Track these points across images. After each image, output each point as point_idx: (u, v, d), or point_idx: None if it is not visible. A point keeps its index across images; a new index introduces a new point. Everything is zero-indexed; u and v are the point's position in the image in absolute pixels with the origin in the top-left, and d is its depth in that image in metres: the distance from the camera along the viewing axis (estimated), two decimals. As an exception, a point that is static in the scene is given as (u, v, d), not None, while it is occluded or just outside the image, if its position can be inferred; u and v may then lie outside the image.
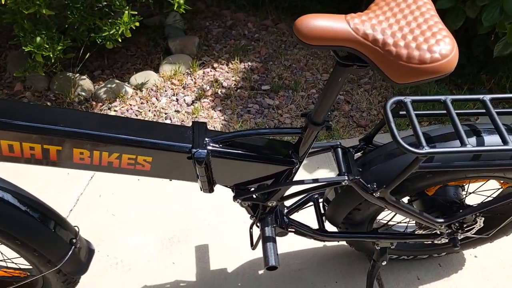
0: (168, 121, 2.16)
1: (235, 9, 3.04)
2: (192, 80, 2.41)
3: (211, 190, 1.05)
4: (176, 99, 2.28)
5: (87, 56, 2.30)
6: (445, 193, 1.20)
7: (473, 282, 1.44)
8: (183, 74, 2.43)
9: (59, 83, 2.29)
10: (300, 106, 2.20)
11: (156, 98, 2.29)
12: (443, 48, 0.73)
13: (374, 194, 1.04)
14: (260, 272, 1.51)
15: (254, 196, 1.10)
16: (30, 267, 1.23)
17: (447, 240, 1.25)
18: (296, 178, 1.09)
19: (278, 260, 1.14)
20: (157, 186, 1.79)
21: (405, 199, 1.24)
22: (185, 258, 1.55)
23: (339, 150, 1.10)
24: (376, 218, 1.28)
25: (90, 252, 1.26)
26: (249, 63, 2.52)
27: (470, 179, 1.13)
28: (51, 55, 1.76)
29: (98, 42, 2.01)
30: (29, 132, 0.86)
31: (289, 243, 1.55)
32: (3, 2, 1.60)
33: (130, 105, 2.25)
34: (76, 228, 1.21)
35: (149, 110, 2.22)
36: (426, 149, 0.89)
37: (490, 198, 1.29)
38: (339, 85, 0.88)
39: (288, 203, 1.31)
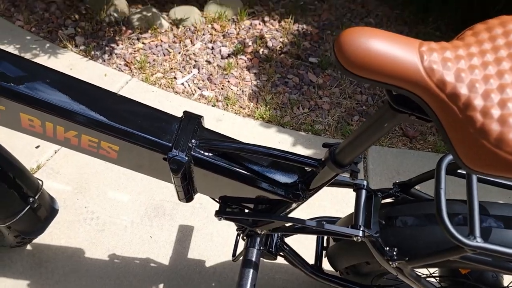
0: (195, 71, 1.92)
1: (309, -42, 2.64)
2: (235, 29, 2.13)
3: (188, 199, 0.84)
4: (212, 47, 2.02)
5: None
6: (482, 278, 0.94)
7: None
8: (228, 20, 2.15)
9: (93, -3, 2.07)
10: (345, 92, 1.90)
11: (191, 41, 2.04)
12: None
13: (391, 263, 0.80)
14: (240, 276, 1.33)
15: (239, 219, 0.88)
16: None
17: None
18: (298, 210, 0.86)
19: (256, 294, 0.94)
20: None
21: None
22: (165, 235, 1.39)
23: (363, 192, 0.85)
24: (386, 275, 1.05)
25: (52, 212, 1.11)
26: (304, 26, 2.19)
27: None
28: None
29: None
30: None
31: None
32: None
33: (161, 41, 2.02)
34: (39, 183, 1.05)
35: (179, 53, 1.98)
36: (479, 242, 0.64)
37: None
38: (383, 131, 0.61)
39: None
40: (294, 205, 0.82)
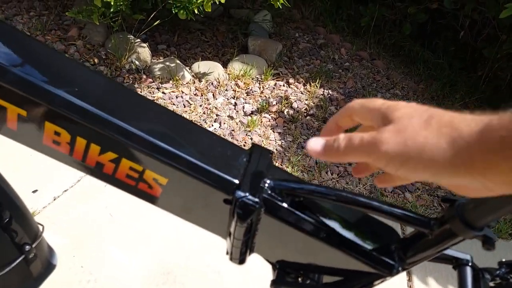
0: (216, 125, 1.78)
1: (332, 30, 2.66)
2: (259, 88, 2.03)
3: (242, 261, 0.64)
4: (235, 103, 1.91)
5: (156, 23, 1.98)
6: None
7: None
8: (252, 79, 2.07)
9: (116, 43, 1.99)
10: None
11: (213, 95, 1.93)
12: None
13: None
14: None
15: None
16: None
17: None
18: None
19: None
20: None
21: None
22: (174, 308, 1.15)
23: (468, 269, 0.66)
24: None
25: (48, 267, 0.89)
26: (330, 92, 2.11)
27: None
28: (112, 3, 1.44)
29: (173, 11, 1.68)
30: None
31: None
32: None
33: (182, 92, 1.91)
34: (38, 228, 0.84)
35: (200, 105, 1.86)
36: None
37: None
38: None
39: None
40: (378, 281, 0.62)
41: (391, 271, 0.59)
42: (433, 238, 0.54)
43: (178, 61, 2.01)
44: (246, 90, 2.00)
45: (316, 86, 2.10)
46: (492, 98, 2.19)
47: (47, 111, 0.51)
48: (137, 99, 0.57)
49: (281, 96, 2.00)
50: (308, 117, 1.92)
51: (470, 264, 0.66)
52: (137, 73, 1.95)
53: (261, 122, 1.84)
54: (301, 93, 2.07)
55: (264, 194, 0.55)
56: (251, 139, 1.76)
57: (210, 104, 1.88)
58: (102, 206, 1.36)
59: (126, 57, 1.96)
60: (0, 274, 0.76)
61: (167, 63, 1.98)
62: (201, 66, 2.04)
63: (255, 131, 1.79)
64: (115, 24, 1.79)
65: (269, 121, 1.86)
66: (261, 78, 2.08)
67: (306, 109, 1.97)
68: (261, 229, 0.60)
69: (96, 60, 1.97)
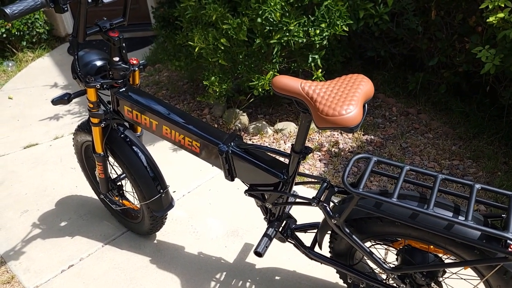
0: (281, 159, 2.74)
1: (390, 94, 3.43)
2: (318, 137, 2.94)
3: (231, 179, 1.59)
4: (298, 146, 2.84)
5: (251, 100, 3.12)
6: (418, 258, 1.36)
7: None
8: (315, 131, 2.99)
9: (228, 115, 3.18)
10: (392, 182, 2.46)
11: (284, 142, 2.91)
12: (342, 110, 1.12)
13: (333, 221, 1.38)
14: (277, 277, 1.89)
15: (257, 195, 1.57)
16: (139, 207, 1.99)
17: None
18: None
19: (265, 251, 1.56)
20: (248, 199, 2.38)
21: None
22: (235, 247, 2.07)
23: (325, 183, 1.48)
24: (355, 255, 1.54)
25: (170, 205, 1.94)
26: (372, 137, 2.89)
27: (425, 244, 1.32)
28: (217, 90, 2.62)
29: (257, 91, 2.78)
30: (144, 109, 1.61)
31: (308, 270, 1.89)
32: (196, 51, 2.55)
33: (264, 141, 2.94)
34: (167, 185, 1.91)
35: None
36: (359, 190, 1.23)
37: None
38: (304, 125, 1.32)
39: (299, 221, 1.70)
40: (284, 185, 1.48)
41: (284, 179, 1.47)
42: (291, 162, 1.43)
43: (264, 123, 3.08)
44: (308, 138, 2.92)
45: (361, 133, 2.91)
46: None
47: (162, 122, 1.59)
48: (190, 118, 1.62)
49: (333, 141, 2.86)
50: (348, 153, 2.73)
51: (327, 181, 1.48)
52: (239, 132, 3.07)
53: (313, 157, 2.73)
54: (349, 138, 2.90)
55: (231, 147, 1.52)
56: (303, 166, 2.65)
57: (280, 147, 2.86)
58: (206, 199, 2.41)
59: (234, 122, 3.12)
60: (152, 200, 1.84)
61: (257, 124, 3.06)
62: (280, 125, 3.06)
63: (307, 162, 2.68)
64: (223, 102, 2.97)
65: (319, 156, 2.73)
66: (321, 131, 2.99)
67: (349, 148, 2.79)
68: (235, 163, 1.55)
69: (216, 126, 3.17)
